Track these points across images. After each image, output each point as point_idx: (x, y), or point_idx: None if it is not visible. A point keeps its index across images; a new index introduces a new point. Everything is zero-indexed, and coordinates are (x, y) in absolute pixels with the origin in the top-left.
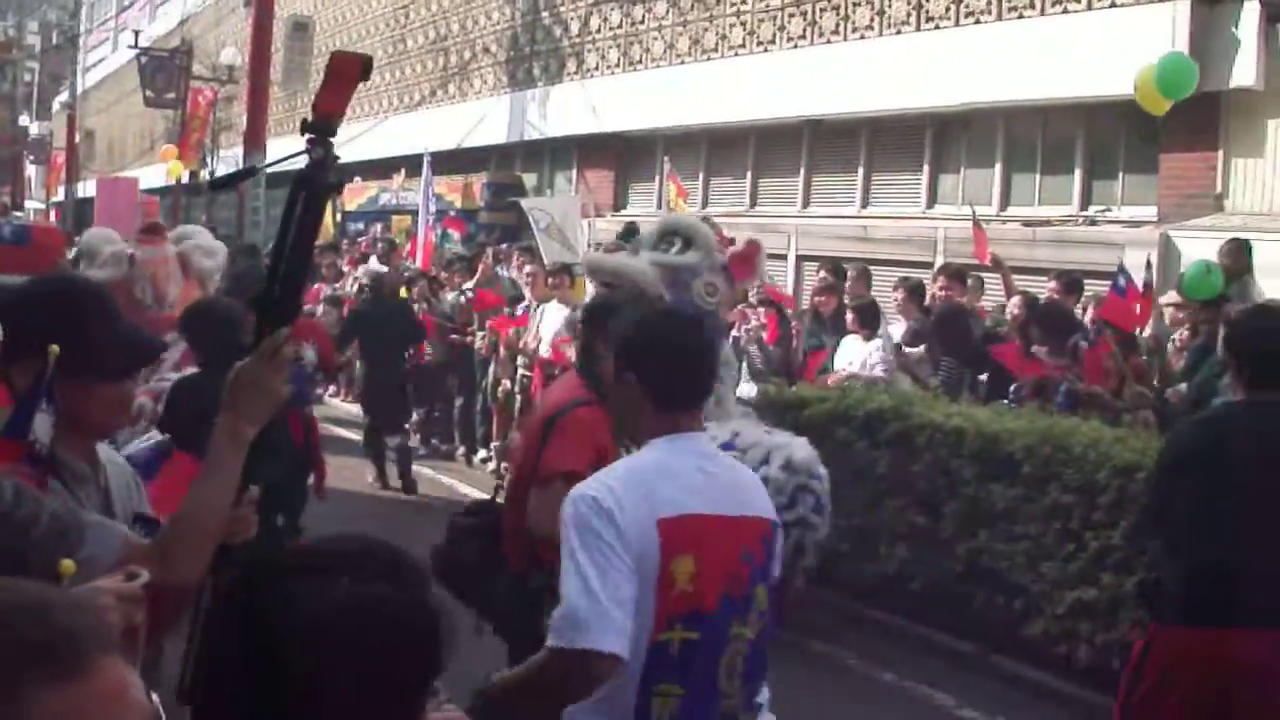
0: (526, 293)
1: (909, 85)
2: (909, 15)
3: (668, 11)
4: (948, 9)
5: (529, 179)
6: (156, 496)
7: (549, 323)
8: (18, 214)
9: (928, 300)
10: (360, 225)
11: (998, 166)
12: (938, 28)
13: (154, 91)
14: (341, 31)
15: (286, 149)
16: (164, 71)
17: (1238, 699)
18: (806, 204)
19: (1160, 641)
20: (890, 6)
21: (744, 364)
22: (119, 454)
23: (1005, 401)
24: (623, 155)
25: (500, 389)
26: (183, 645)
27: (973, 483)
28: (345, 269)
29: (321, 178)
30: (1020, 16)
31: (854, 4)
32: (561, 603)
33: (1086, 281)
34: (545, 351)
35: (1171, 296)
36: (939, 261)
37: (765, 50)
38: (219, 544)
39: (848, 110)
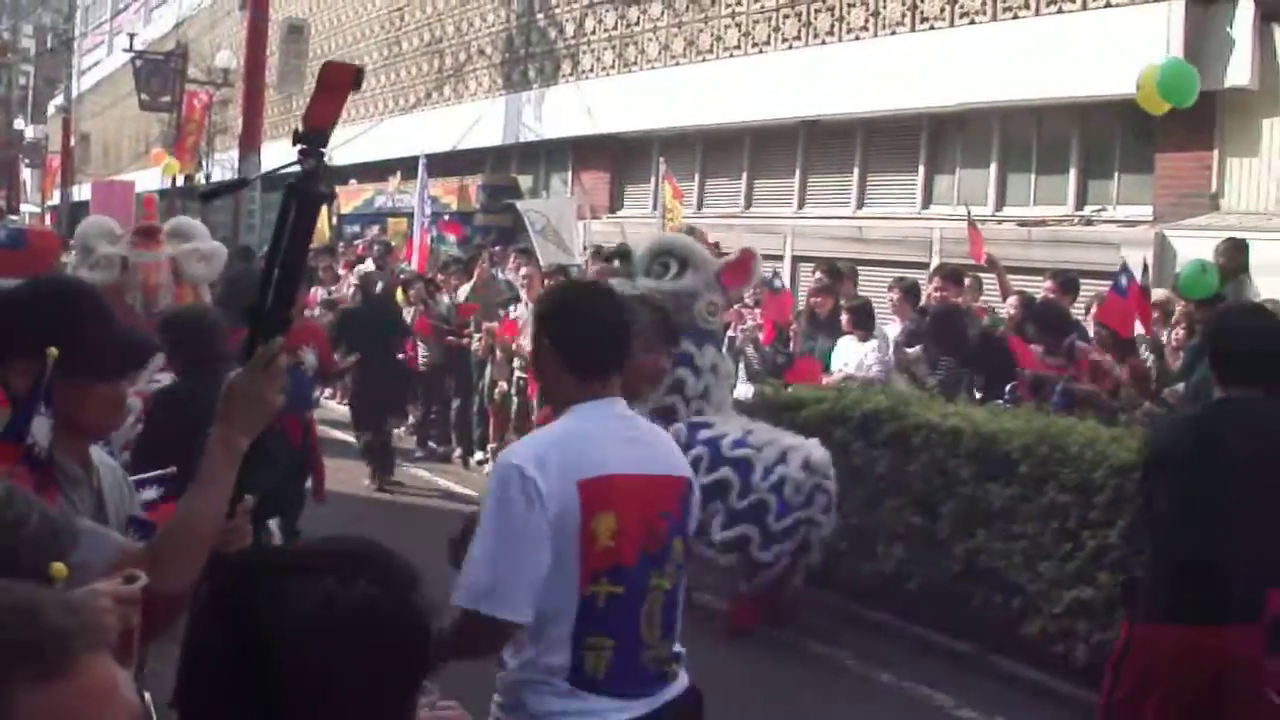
0: (523, 295)
1: (904, 86)
2: (904, 16)
3: (662, 13)
4: (942, 10)
5: (525, 181)
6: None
7: None
8: (13, 218)
9: (923, 301)
10: (356, 228)
11: (993, 167)
12: (932, 28)
13: (149, 95)
14: (336, 34)
15: (282, 152)
16: (159, 75)
17: (1214, 695)
18: (802, 205)
19: (1138, 639)
20: (885, 7)
21: (740, 365)
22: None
23: (1001, 402)
24: (618, 157)
25: (497, 391)
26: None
27: (970, 482)
28: (341, 272)
29: (313, 188)
30: (1015, 17)
31: (849, 5)
32: (470, 561)
33: (1083, 281)
34: None
35: (1160, 294)
36: (934, 262)
37: (760, 51)
38: (213, 553)
39: (843, 111)
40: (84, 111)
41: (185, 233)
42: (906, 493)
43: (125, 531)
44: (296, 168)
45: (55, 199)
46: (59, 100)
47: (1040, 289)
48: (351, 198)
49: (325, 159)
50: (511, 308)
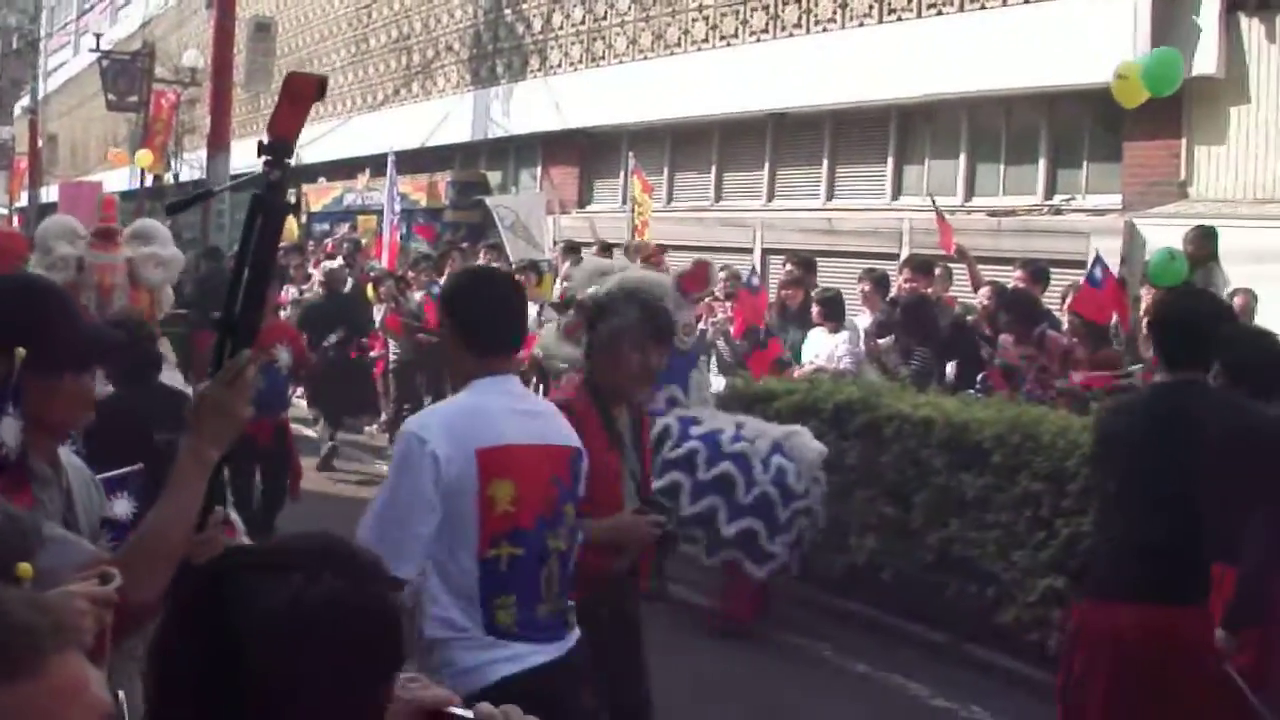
0: None
1: (872, 77)
2: (871, 7)
3: (630, 7)
4: (910, 1)
5: (494, 177)
6: None
7: None
8: None
9: (893, 292)
10: (325, 226)
11: (962, 157)
12: (900, 19)
13: (116, 95)
14: (304, 32)
15: (250, 151)
16: (126, 75)
17: (1161, 675)
18: (771, 197)
19: (1082, 618)
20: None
21: (712, 357)
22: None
23: (972, 391)
24: (587, 151)
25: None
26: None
27: (943, 472)
28: (312, 270)
29: (278, 199)
30: (982, 7)
31: None
32: (362, 521)
33: (1053, 271)
34: None
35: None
36: (904, 253)
37: (728, 44)
38: (183, 562)
39: (811, 103)
40: (51, 112)
41: (146, 236)
42: (879, 483)
43: (99, 533)
44: (261, 177)
45: (23, 200)
46: (25, 101)
47: (1011, 279)
48: (321, 195)
49: (290, 169)
50: None
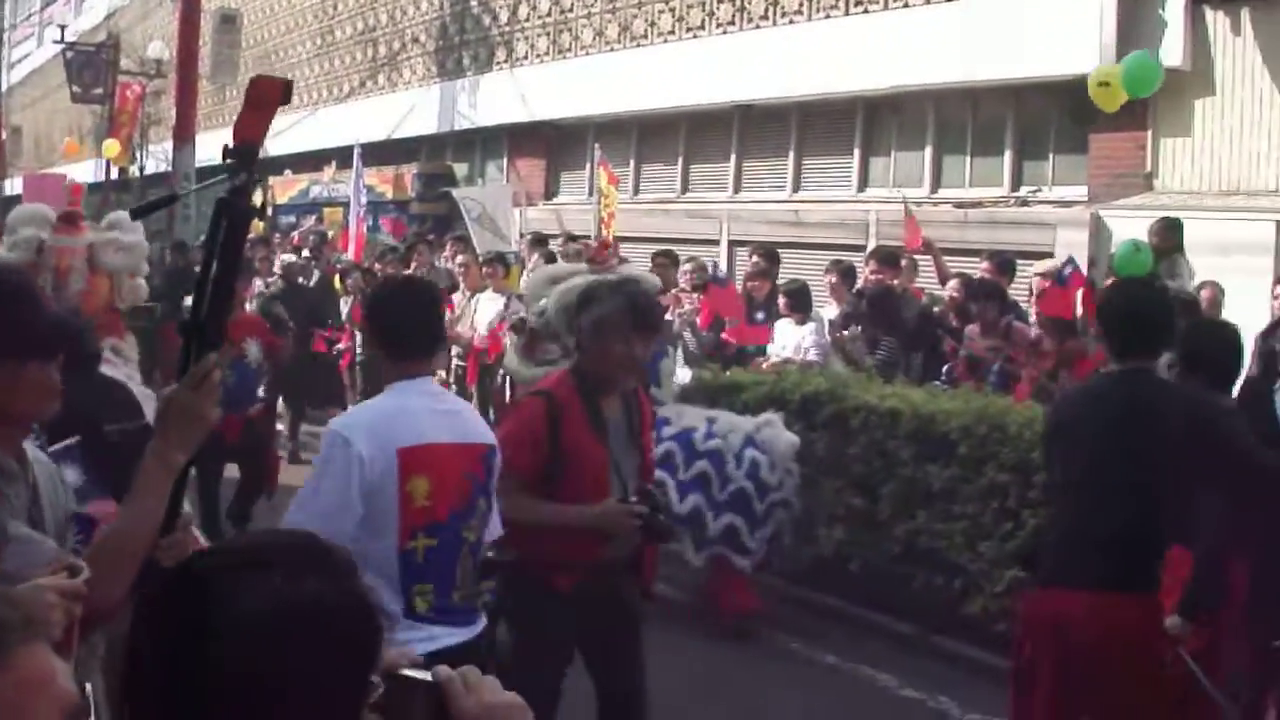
0: (460, 283)
1: (838, 69)
2: (837, 0)
3: None
4: None
5: (460, 169)
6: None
7: (483, 312)
8: None
9: (859, 284)
10: (292, 218)
11: (928, 149)
12: (866, 11)
13: (81, 87)
14: (269, 24)
15: (216, 143)
16: (91, 66)
17: (1106, 662)
18: (737, 189)
19: (1031, 607)
20: None
21: (679, 349)
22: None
23: (938, 382)
24: (553, 143)
25: (435, 379)
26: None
27: (909, 463)
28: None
29: (243, 203)
30: (949, 0)
31: None
32: (288, 514)
33: (1019, 262)
34: (480, 341)
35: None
36: (871, 244)
37: (694, 36)
38: (151, 564)
39: (778, 95)
40: (14, 104)
41: (111, 223)
42: (846, 475)
43: (65, 528)
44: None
45: None
46: None
47: (977, 270)
48: (287, 188)
49: (255, 173)
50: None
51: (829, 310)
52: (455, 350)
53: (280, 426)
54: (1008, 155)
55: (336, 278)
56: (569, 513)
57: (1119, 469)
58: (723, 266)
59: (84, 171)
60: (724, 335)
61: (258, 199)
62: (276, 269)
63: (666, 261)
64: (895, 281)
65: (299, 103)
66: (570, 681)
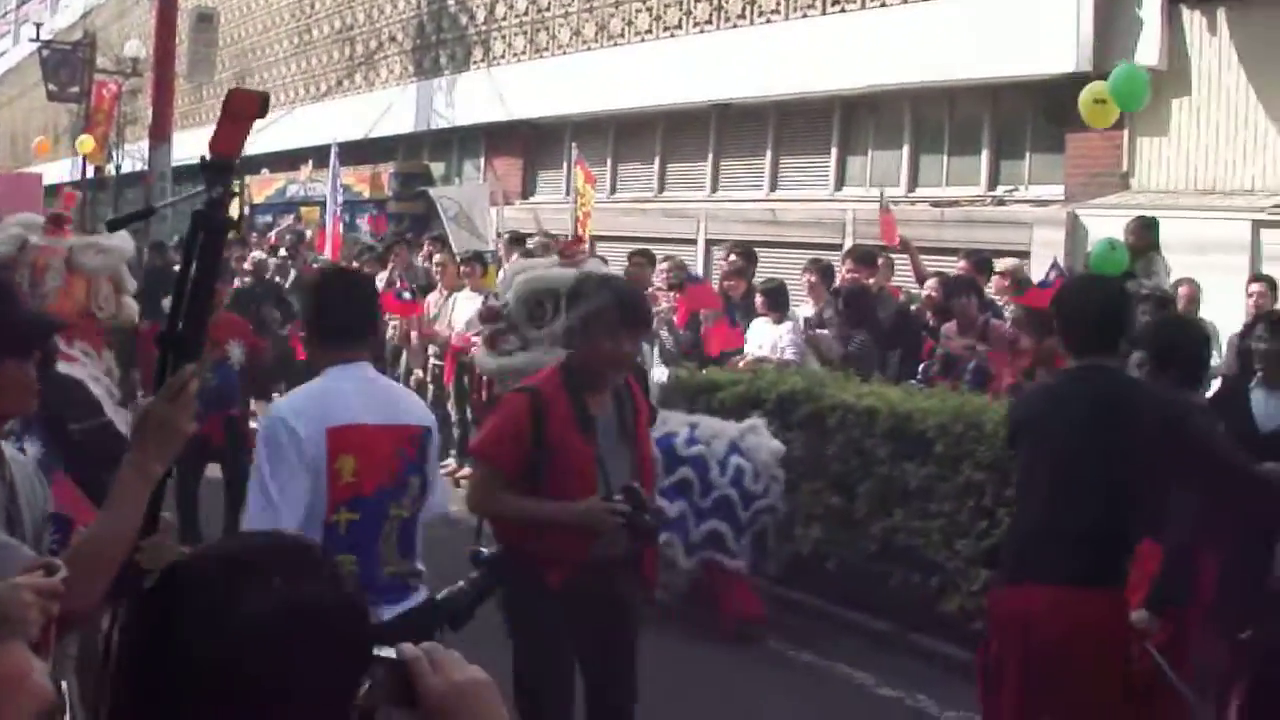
0: (438, 282)
1: (816, 68)
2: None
3: None
4: None
5: (437, 168)
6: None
7: (461, 311)
8: None
9: (837, 283)
10: (269, 217)
11: (905, 148)
12: (844, 11)
13: (57, 85)
14: (246, 22)
15: (192, 142)
16: (67, 65)
17: (1069, 659)
18: (715, 188)
19: (997, 603)
20: None
21: (655, 348)
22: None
23: (914, 381)
24: (530, 143)
25: (413, 378)
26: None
27: (886, 462)
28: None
29: (219, 215)
30: None
31: None
32: (250, 496)
33: (996, 261)
34: (458, 340)
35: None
36: (848, 243)
37: (672, 35)
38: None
39: (755, 94)
40: None
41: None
42: (823, 474)
43: (43, 528)
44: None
45: None
46: None
47: (954, 269)
48: (263, 187)
49: (231, 186)
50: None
51: (805, 309)
52: (432, 350)
53: (254, 425)
54: (985, 154)
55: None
56: (551, 509)
57: (1084, 466)
58: (699, 266)
59: (60, 170)
60: (702, 333)
61: (234, 210)
62: (248, 266)
63: (643, 261)
64: (872, 280)
65: (276, 101)
66: None
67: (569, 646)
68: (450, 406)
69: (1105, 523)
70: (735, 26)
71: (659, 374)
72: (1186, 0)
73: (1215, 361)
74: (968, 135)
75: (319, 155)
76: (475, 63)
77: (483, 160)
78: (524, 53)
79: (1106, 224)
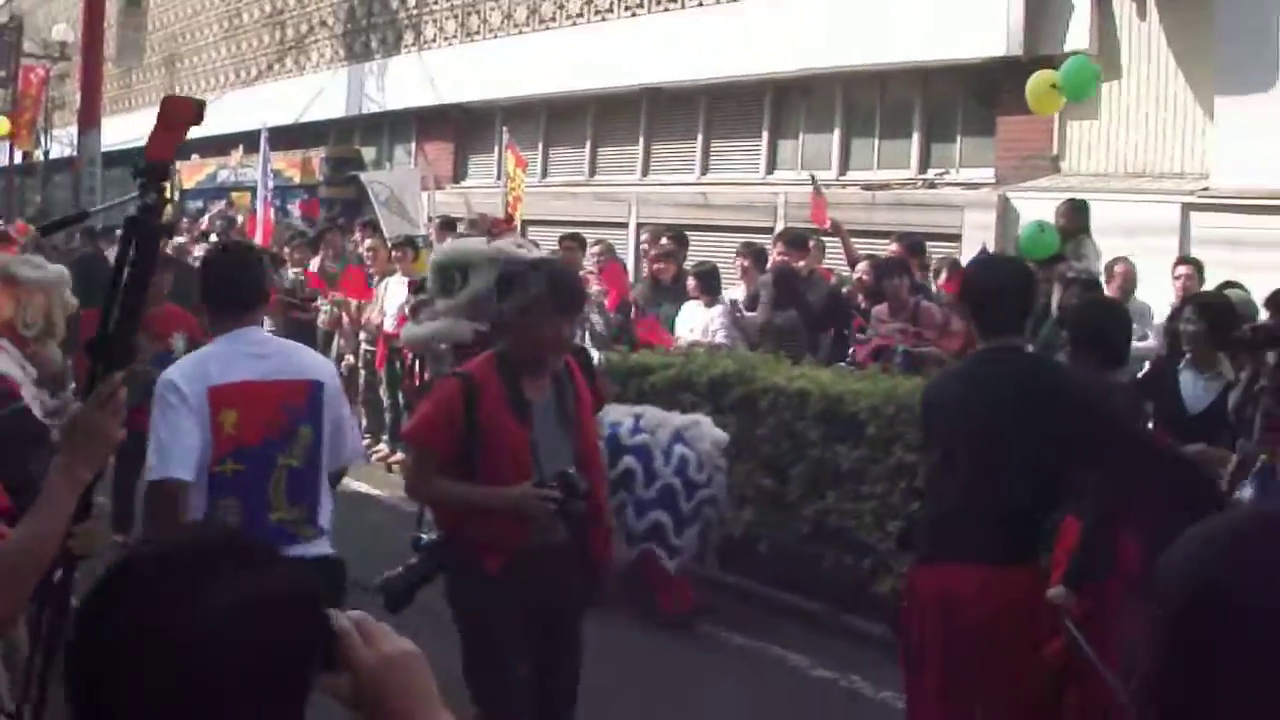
0: (369, 267)
1: (747, 52)
2: None
3: None
4: None
5: (368, 153)
6: None
7: (392, 296)
8: None
9: (768, 266)
10: (199, 203)
11: (836, 132)
12: None
13: None
14: (175, 6)
15: (121, 127)
16: None
17: (989, 638)
18: (646, 172)
19: (915, 584)
20: None
21: (585, 331)
22: None
23: (844, 364)
24: (461, 127)
25: (344, 364)
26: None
27: (818, 444)
28: (184, 242)
29: (153, 221)
30: None
31: None
32: (149, 453)
33: (927, 244)
34: (389, 326)
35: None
36: (779, 226)
37: (603, 19)
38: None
39: (686, 78)
40: None
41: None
42: (755, 456)
43: None
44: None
45: None
46: None
47: (886, 252)
48: (194, 172)
49: (165, 192)
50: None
51: (734, 291)
52: (364, 335)
53: None
54: (915, 138)
55: None
56: (484, 494)
57: (1002, 447)
58: (630, 249)
59: None
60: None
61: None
62: (169, 251)
63: (574, 245)
64: (802, 263)
65: (206, 86)
66: None
67: (511, 631)
68: (382, 391)
69: (1024, 502)
70: (666, 10)
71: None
72: None
73: (1152, 343)
74: (899, 119)
75: (249, 140)
76: (406, 47)
77: (414, 145)
78: (455, 36)
79: (1037, 207)
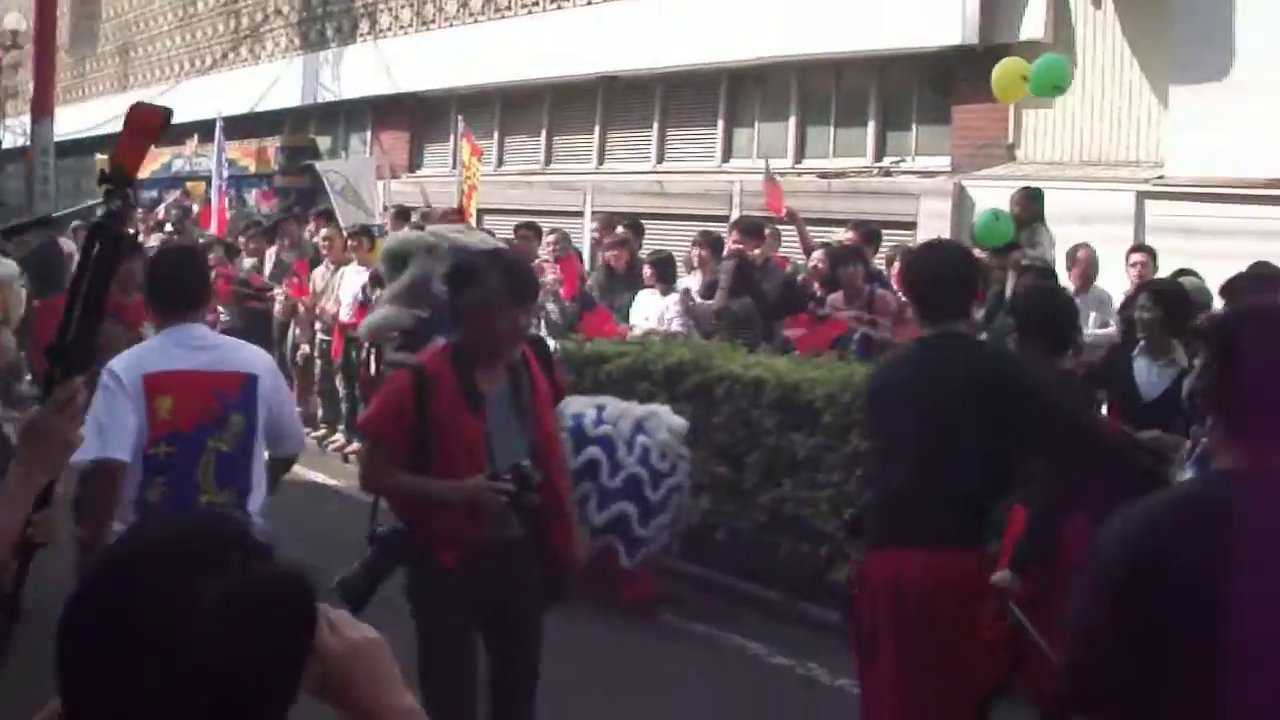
0: (324, 256)
1: (703, 40)
2: None
3: None
4: None
5: (324, 142)
6: None
7: (348, 286)
8: None
9: (724, 254)
10: (154, 193)
11: (792, 120)
12: None
13: None
14: None
15: (76, 116)
16: None
17: (936, 620)
18: (602, 161)
19: (864, 570)
20: None
21: (541, 320)
22: None
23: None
24: (417, 116)
25: (300, 354)
26: None
27: (774, 432)
28: (141, 239)
29: (117, 228)
30: None
31: None
32: (85, 433)
33: (882, 232)
34: (345, 315)
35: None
36: (735, 215)
37: (559, 8)
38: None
39: (642, 67)
40: None
41: None
42: (711, 444)
43: None
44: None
45: None
46: None
47: (841, 240)
48: (149, 162)
49: (130, 199)
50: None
51: (688, 280)
52: (320, 325)
53: None
54: (871, 126)
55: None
56: (436, 486)
57: (948, 432)
58: (585, 238)
59: None
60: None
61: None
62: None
63: (529, 234)
64: (758, 251)
65: (160, 75)
66: None
67: (467, 625)
68: (339, 381)
69: (971, 487)
70: None
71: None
72: None
73: (1112, 330)
74: (854, 107)
75: (204, 129)
76: (362, 35)
77: (369, 134)
78: (410, 25)
79: (992, 195)
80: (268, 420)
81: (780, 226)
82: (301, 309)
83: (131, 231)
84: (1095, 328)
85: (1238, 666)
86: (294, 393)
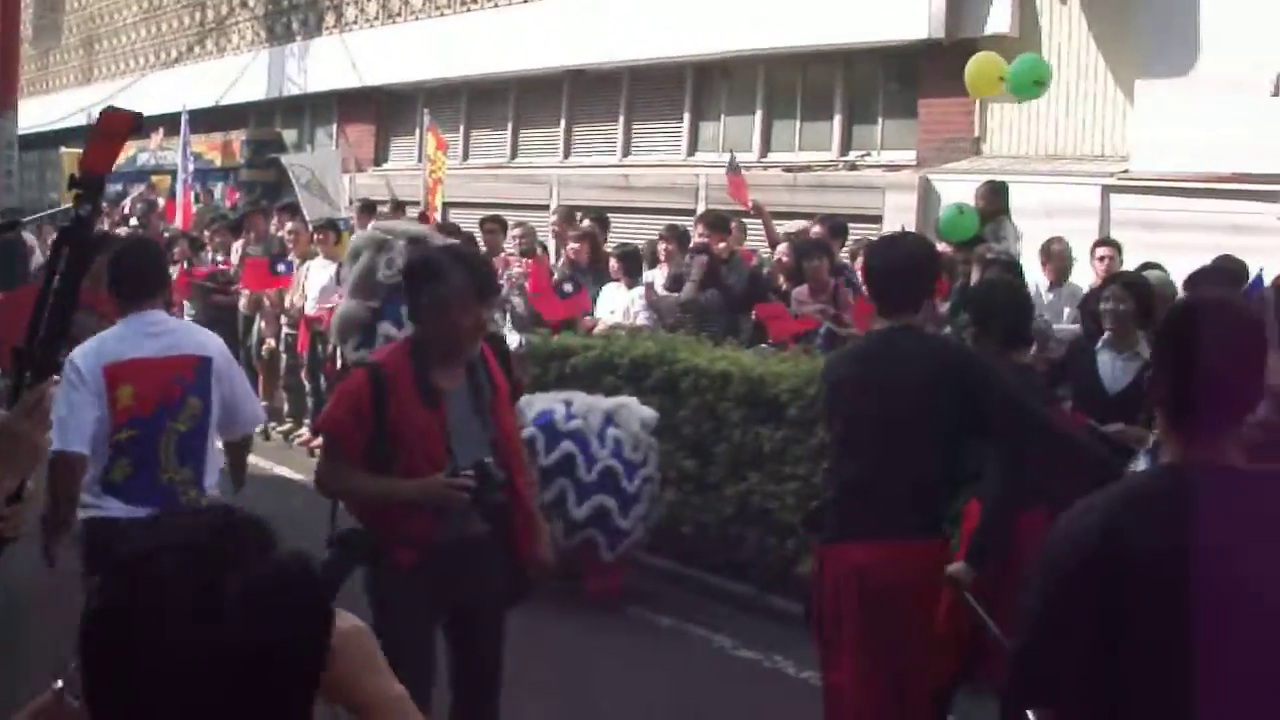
0: (290, 250)
1: (669, 34)
2: None
3: None
4: None
5: (289, 135)
6: None
7: (314, 280)
8: None
9: (690, 247)
10: (119, 186)
11: (758, 113)
12: None
13: None
14: None
15: (39, 110)
16: None
17: (894, 612)
18: (568, 154)
19: (823, 562)
20: None
21: (507, 314)
22: None
23: (765, 345)
24: (383, 109)
25: (265, 348)
26: None
27: (740, 426)
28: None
29: (86, 233)
30: None
31: None
32: (59, 431)
33: (849, 226)
34: (311, 309)
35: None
36: (701, 208)
37: (525, 1)
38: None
39: (608, 60)
40: None
41: None
42: (677, 437)
43: None
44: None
45: None
46: None
47: (795, 229)
48: None
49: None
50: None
51: (652, 274)
52: (285, 319)
53: None
54: (837, 120)
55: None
56: (394, 485)
57: (901, 424)
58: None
59: None
60: (539, 309)
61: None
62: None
63: (495, 227)
64: (723, 245)
65: (125, 68)
66: None
67: (427, 624)
68: (304, 375)
69: (928, 479)
70: None
71: (511, 340)
72: None
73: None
74: (820, 101)
75: (170, 123)
76: (328, 28)
77: (335, 127)
78: (377, 18)
79: (958, 189)
80: (222, 399)
81: (746, 220)
82: (267, 303)
83: (101, 238)
84: (1069, 322)
85: (1188, 659)
86: (259, 387)
